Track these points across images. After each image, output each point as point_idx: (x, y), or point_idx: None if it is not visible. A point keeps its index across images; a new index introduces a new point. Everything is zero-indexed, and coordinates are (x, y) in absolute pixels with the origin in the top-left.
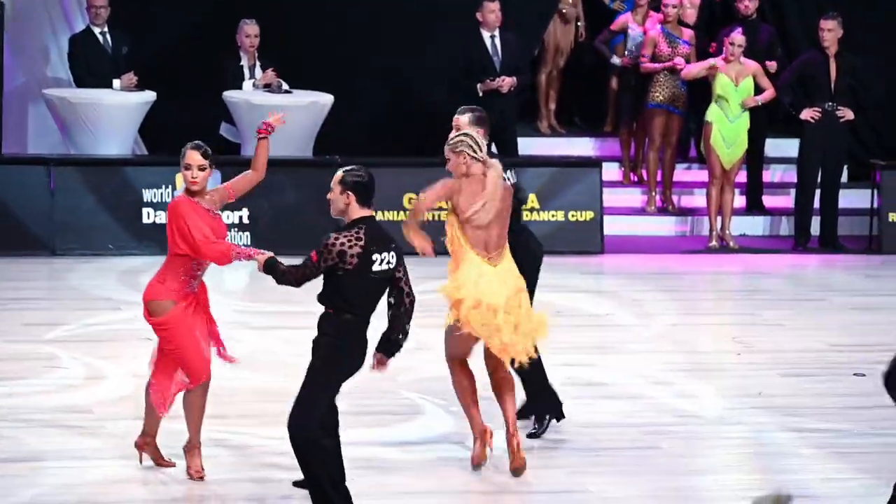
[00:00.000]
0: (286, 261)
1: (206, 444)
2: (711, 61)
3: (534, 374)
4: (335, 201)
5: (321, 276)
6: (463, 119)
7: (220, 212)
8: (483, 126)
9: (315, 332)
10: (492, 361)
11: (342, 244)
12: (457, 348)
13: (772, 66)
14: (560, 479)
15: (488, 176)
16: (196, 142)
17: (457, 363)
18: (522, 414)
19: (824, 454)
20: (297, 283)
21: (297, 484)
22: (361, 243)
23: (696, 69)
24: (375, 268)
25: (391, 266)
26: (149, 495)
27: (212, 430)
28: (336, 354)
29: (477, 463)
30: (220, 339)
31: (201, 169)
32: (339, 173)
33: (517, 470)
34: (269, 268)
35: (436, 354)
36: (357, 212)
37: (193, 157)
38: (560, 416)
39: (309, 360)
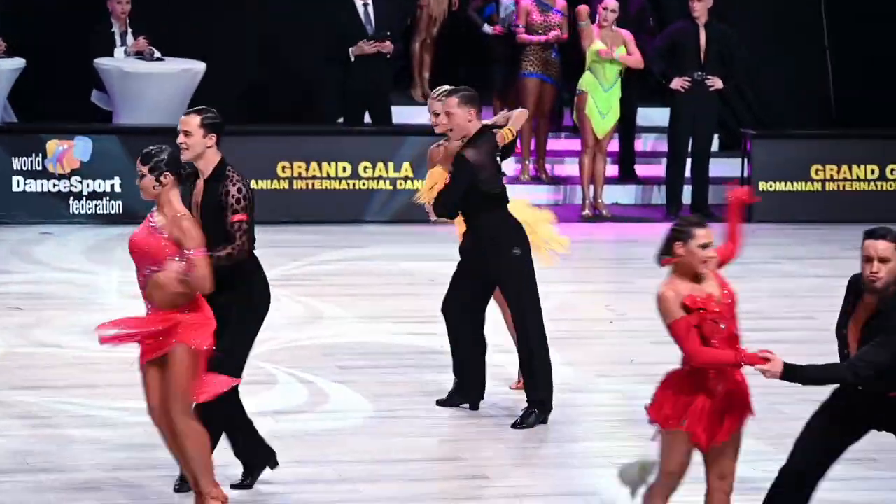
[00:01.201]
0: None
1: None
2: (593, 37)
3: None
4: (195, 145)
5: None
6: (450, 101)
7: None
8: (474, 105)
9: None
10: None
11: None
12: None
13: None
14: (435, 446)
15: None
16: None
17: None
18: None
19: None
20: (251, 250)
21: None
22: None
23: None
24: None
25: None
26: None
27: None
28: None
29: None
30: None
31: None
32: (198, 118)
33: None
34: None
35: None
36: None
37: None
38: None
39: None
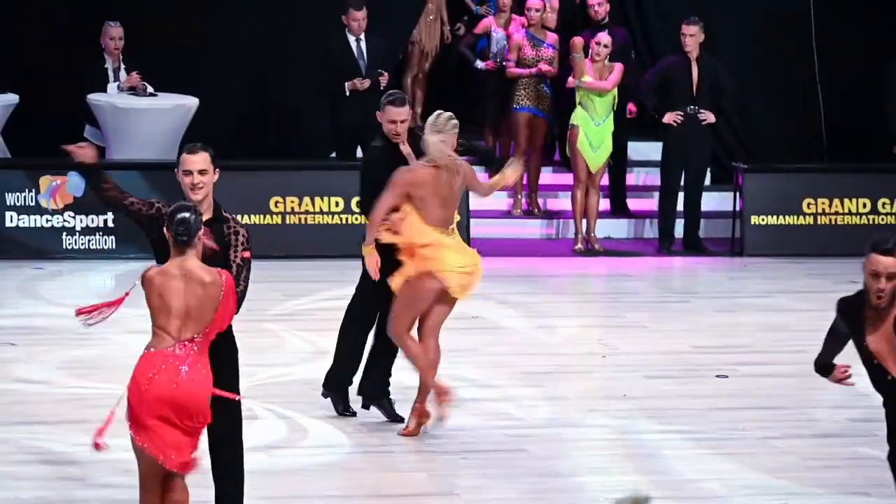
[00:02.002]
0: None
1: None
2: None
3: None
4: (209, 183)
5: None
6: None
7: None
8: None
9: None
10: None
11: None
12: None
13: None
14: (426, 482)
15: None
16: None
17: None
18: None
19: (686, 455)
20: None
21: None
22: None
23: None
24: None
25: None
26: None
27: None
28: None
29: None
30: None
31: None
32: (208, 155)
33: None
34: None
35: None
36: None
37: None
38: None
39: None
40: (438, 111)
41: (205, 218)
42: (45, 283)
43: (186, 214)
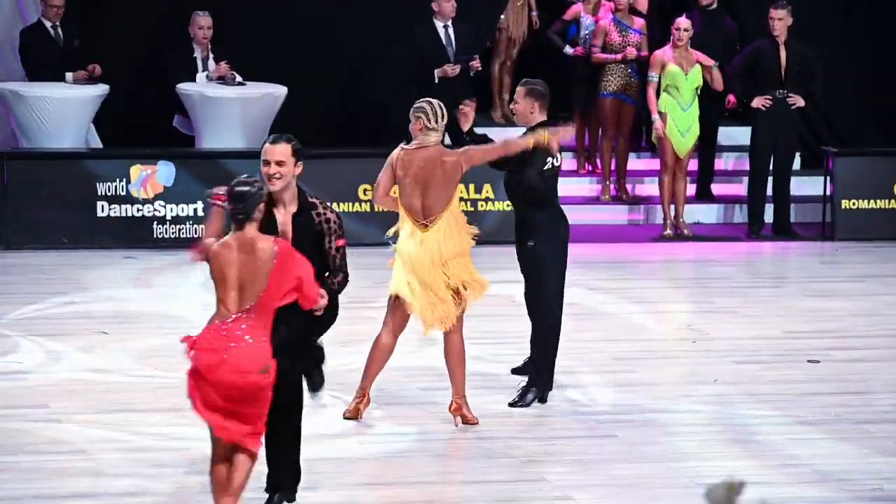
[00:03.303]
0: None
1: None
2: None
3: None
4: (288, 175)
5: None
6: (520, 90)
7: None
8: (538, 99)
9: None
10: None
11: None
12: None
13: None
14: (516, 468)
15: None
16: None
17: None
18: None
19: (779, 440)
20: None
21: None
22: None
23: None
24: None
25: None
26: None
27: None
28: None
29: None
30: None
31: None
32: (289, 147)
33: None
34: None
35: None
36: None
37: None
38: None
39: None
40: (429, 100)
41: (291, 210)
42: (136, 271)
43: (245, 188)
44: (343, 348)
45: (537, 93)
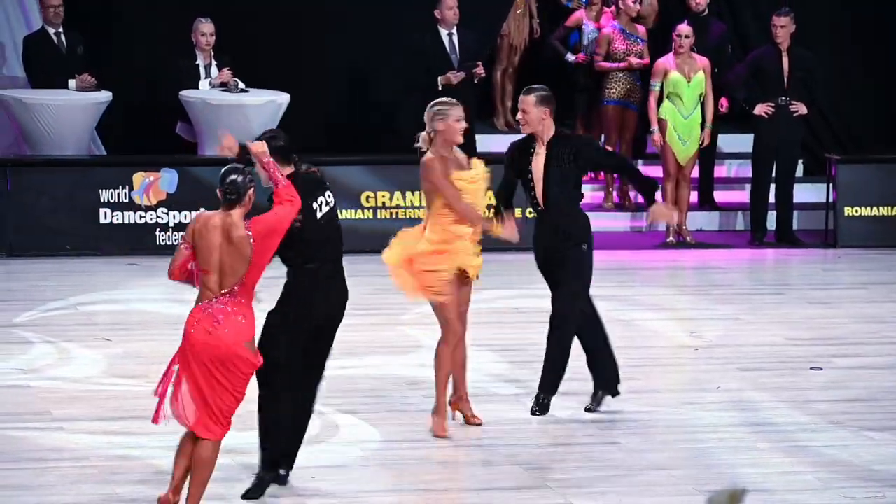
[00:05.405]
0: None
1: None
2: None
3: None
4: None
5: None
6: (529, 99)
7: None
8: (548, 105)
9: None
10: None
11: None
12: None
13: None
14: (519, 475)
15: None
16: None
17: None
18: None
19: (781, 448)
20: None
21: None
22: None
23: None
24: (319, 214)
25: (332, 205)
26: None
27: None
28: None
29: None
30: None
31: None
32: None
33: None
34: None
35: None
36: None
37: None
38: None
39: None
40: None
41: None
42: (138, 278)
43: (235, 176)
44: (344, 359)
45: (548, 99)
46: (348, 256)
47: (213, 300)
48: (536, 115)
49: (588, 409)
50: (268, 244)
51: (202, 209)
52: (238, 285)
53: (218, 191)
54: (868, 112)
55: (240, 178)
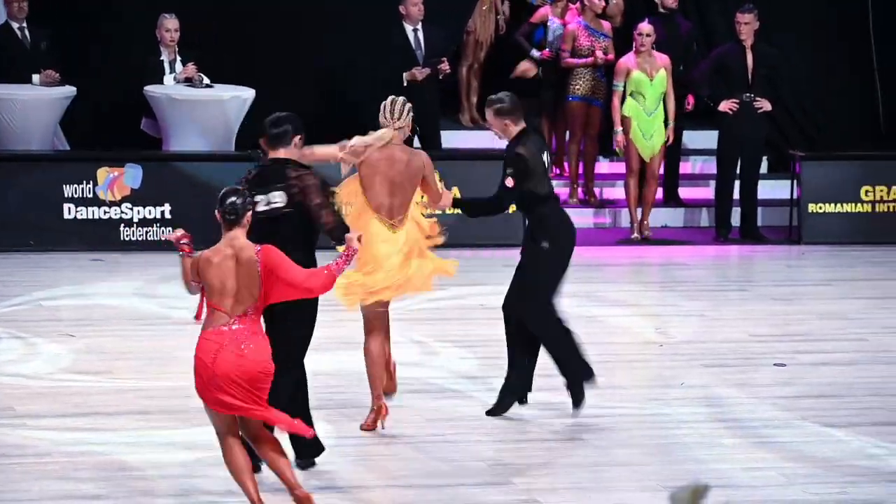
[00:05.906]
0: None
1: None
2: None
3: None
4: None
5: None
6: (488, 112)
7: None
8: (507, 116)
9: None
10: None
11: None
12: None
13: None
14: (483, 471)
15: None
16: None
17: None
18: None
19: (745, 444)
20: None
21: None
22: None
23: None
24: (258, 208)
25: (276, 205)
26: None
27: None
28: None
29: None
30: None
31: None
32: None
33: None
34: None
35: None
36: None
37: None
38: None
39: None
40: (392, 97)
41: None
42: (103, 274)
43: (235, 198)
44: (331, 353)
45: (504, 111)
46: (319, 251)
47: (229, 324)
48: (499, 126)
49: (490, 413)
50: (270, 278)
51: (167, 205)
52: (253, 309)
53: (216, 212)
54: (833, 109)
55: (239, 201)
